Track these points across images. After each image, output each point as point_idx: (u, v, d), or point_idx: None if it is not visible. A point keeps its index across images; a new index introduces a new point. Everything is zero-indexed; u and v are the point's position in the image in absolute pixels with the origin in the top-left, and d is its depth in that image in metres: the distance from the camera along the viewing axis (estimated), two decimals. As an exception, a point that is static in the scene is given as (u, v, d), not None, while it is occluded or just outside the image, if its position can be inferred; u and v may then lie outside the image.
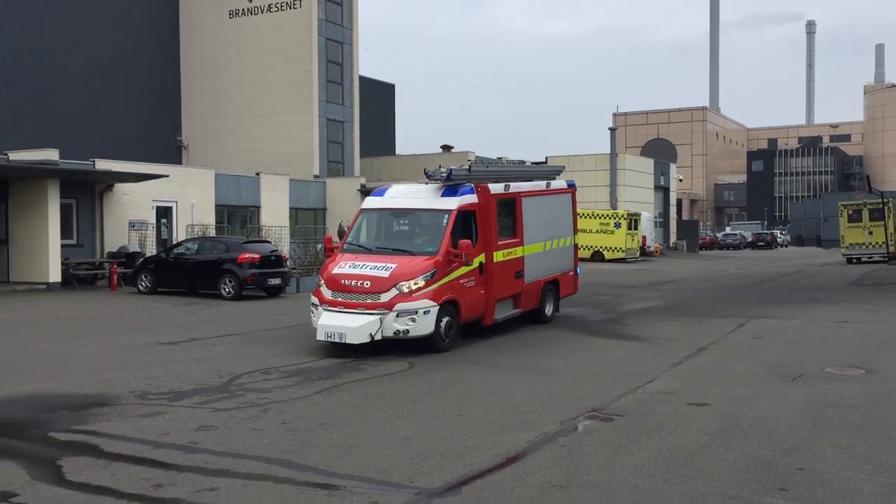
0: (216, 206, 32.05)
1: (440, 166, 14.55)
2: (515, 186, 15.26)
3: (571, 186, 17.75)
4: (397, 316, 12.45)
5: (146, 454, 7.29)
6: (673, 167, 65.51)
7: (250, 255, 21.95)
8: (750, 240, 77.37)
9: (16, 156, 25.58)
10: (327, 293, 12.97)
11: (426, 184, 14.45)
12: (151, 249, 26.89)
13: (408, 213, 14.17)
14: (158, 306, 20.03)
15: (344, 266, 13.12)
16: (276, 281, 22.55)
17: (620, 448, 7.58)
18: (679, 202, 70.49)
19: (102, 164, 27.17)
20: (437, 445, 7.65)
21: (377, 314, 12.47)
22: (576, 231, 17.68)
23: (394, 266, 12.80)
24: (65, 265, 24.31)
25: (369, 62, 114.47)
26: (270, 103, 41.28)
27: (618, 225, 43.41)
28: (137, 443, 7.64)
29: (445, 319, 12.96)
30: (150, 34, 40.63)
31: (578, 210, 18.78)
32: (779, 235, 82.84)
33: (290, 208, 36.36)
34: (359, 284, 12.70)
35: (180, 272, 22.84)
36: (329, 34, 41.80)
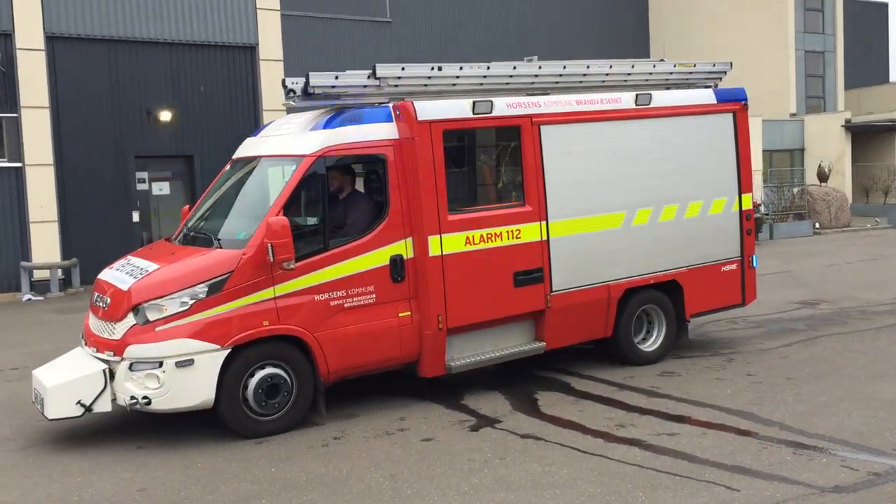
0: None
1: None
2: (521, 104, 7.79)
3: (732, 101, 9.07)
4: (130, 368, 6.54)
5: (611, 395, 7.65)
6: None
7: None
8: None
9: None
10: (89, 316, 7.34)
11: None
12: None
13: (250, 164, 7.86)
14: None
15: (113, 266, 7.49)
16: (746, 228, 21.68)
17: None
18: None
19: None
20: (930, 412, 6.73)
21: (107, 361, 6.70)
22: (746, 186, 9.13)
23: (152, 269, 6.92)
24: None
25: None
26: (740, 42, 39.40)
27: None
28: (604, 384, 8.05)
29: (259, 376, 6.71)
30: (619, -11, 41.55)
31: None
32: None
33: (763, 151, 34.44)
34: (101, 303, 7.04)
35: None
36: (807, -43, 38.38)
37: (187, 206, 8.36)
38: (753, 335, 9.97)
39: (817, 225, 25.24)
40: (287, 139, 7.54)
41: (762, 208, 24.89)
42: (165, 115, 16.73)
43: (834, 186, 28.74)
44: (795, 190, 26.19)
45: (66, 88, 15.87)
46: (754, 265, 9.32)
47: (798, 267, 16.59)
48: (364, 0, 33.15)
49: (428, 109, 7.31)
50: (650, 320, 8.80)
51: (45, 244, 15.55)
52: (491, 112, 7.58)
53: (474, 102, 7.51)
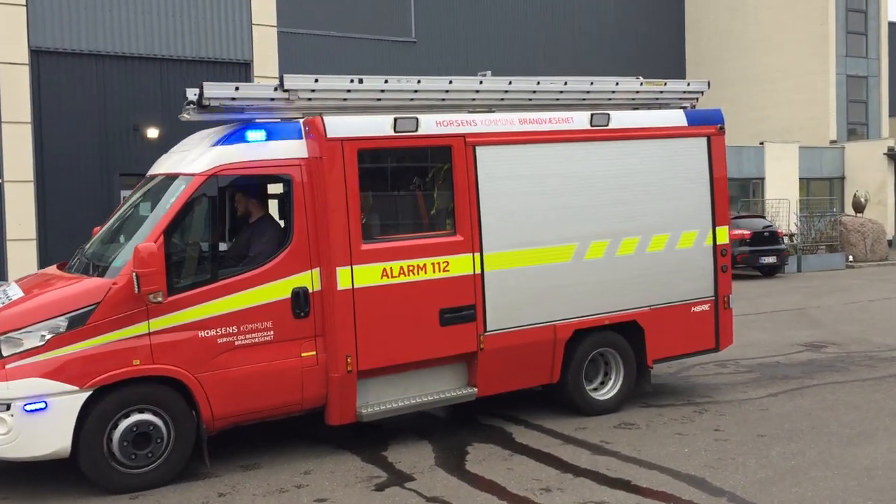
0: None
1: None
2: (453, 122, 6.90)
3: (706, 123, 8.10)
4: None
5: (552, 450, 6.74)
6: None
7: (740, 231, 20.36)
8: None
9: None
10: None
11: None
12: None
13: (150, 182, 7.04)
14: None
15: None
16: (769, 259, 20.56)
17: None
18: None
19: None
20: (912, 486, 5.71)
21: None
22: (722, 219, 8.16)
23: (17, 297, 6.26)
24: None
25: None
26: (779, 67, 38.16)
27: None
28: (549, 435, 7.14)
29: (126, 424, 5.90)
30: (657, 3, 40.58)
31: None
32: None
33: (800, 179, 33.08)
34: None
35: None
36: (849, -21, 37.05)
37: (98, 228, 7.43)
38: (739, 382, 8.96)
39: (851, 258, 23.84)
40: (184, 156, 6.69)
41: (795, 238, 23.62)
42: (153, 132, 16.23)
43: (873, 217, 27.26)
44: (831, 220, 24.72)
45: (51, 103, 15.46)
46: (730, 306, 8.25)
47: (817, 304, 15.41)
48: (389, 20, 32.78)
49: (340, 126, 6.46)
50: (608, 365, 7.81)
51: (23, 262, 15.05)
52: (416, 130, 6.69)
53: (396, 119, 6.64)
